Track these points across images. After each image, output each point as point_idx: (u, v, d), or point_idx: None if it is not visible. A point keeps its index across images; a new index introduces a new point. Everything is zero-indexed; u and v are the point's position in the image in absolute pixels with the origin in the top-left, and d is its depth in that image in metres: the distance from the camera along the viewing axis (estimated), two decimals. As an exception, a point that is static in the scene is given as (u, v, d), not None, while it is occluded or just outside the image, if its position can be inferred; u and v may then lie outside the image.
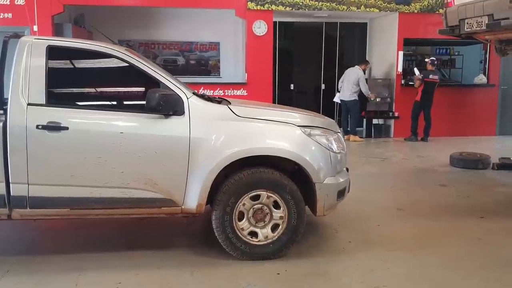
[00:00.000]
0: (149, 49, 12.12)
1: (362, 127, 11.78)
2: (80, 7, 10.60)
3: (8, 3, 9.26)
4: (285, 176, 3.88)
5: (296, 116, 4.08)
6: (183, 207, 3.77)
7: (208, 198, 3.78)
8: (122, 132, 3.61)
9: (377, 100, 11.08)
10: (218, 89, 10.43)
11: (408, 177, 7.37)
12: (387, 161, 8.56)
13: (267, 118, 3.92)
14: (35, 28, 9.14)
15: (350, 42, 12.63)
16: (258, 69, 10.69)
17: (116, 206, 3.70)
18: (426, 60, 11.06)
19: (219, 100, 4.23)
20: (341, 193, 4.10)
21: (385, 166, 8.16)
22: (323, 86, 12.35)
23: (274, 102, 11.21)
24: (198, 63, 12.30)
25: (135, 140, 3.63)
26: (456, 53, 13.17)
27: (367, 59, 11.89)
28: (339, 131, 4.31)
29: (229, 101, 4.23)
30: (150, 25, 11.83)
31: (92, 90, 4.03)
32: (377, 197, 5.96)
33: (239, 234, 3.83)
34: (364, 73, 11.04)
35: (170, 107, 3.62)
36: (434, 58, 11.04)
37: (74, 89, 3.91)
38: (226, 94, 10.31)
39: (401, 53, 11.19)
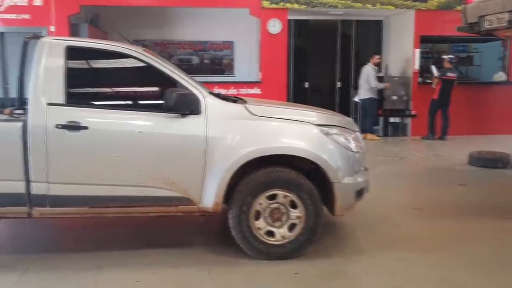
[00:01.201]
0: (164, 49, 12.17)
1: (379, 125, 11.70)
2: (96, 8, 10.68)
3: (26, 4, 9.38)
4: (302, 175, 3.86)
5: (313, 114, 4.05)
6: (199, 205, 3.77)
7: (225, 197, 3.78)
8: (140, 132, 3.63)
9: (389, 88, 10.92)
10: (232, 88, 10.44)
11: (426, 176, 7.30)
12: (404, 160, 8.48)
13: (283, 117, 3.90)
14: (52, 28, 9.24)
15: (366, 40, 12.56)
16: (272, 67, 10.68)
17: (134, 204, 3.72)
18: (444, 57, 10.93)
19: (234, 99, 4.22)
20: (359, 193, 4.06)
21: (403, 165, 8.08)
22: (338, 84, 12.31)
23: (288, 100, 11.18)
24: (212, 62, 12.34)
25: (153, 139, 3.64)
26: (474, 50, 13.00)
27: (381, 56, 11.81)
28: (357, 129, 4.27)
29: (245, 100, 4.22)
30: (164, 25, 11.88)
31: (111, 90, 4.05)
32: (395, 197, 5.90)
33: (256, 234, 3.81)
34: (379, 66, 10.89)
35: (187, 106, 3.62)
36: (453, 56, 10.90)
37: (92, 89, 3.95)
38: (240, 92, 10.32)
39: (417, 50, 11.11)
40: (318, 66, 12.29)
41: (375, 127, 11.25)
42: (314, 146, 3.83)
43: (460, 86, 10.85)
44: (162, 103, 3.57)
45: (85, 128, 3.55)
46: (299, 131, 3.87)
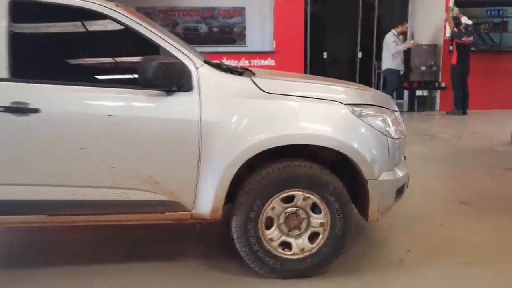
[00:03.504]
0: (169, 17, 11.18)
1: (403, 99, 10.69)
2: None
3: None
4: (327, 171, 2.94)
5: (341, 90, 3.11)
6: (193, 211, 2.88)
7: (227, 199, 2.89)
8: (111, 115, 2.71)
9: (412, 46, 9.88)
10: (243, 58, 9.49)
11: (465, 159, 6.25)
12: (436, 139, 7.49)
13: (303, 95, 2.95)
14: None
15: (390, 5, 11.40)
16: (287, 36, 9.67)
17: (108, 211, 2.83)
18: (462, 21, 9.66)
19: (241, 71, 3.30)
20: (399, 192, 3.16)
21: (436, 145, 7.10)
22: (359, 54, 11.22)
23: (305, 72, 10.20)
24: (221, 31, 11.30)
25: (128, 125, 2.73)
26: (510, 15, 11.74)
27: (409, 23, 10.69)
28: (397, 109, 3.32)
29: (253, 72, 3.29)
30: (170, -11, 10.88)
31: (71, 60, 3.07)
32: (434, 187, 4.96)
33: (267, 246, 2.93)
34: (405, 36, 9.80)
35: (172, 80, 2.69)
36: (470, 24, 9.63)
37: (47, 59, 2.97)
38: (252, 64, 9.38)
39: (450, 14, 9.94)
40: (337, 35, 11.22)
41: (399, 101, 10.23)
42: (343, 133, 2.89)
43: (491, 55, 9.84)
44: (137, 76, 2.63)
45: (36, 111, 2.64)
46: (323, 112, 2.92)
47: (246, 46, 11.09)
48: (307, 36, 10.63)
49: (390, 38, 9.53)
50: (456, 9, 9.94)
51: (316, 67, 10.71)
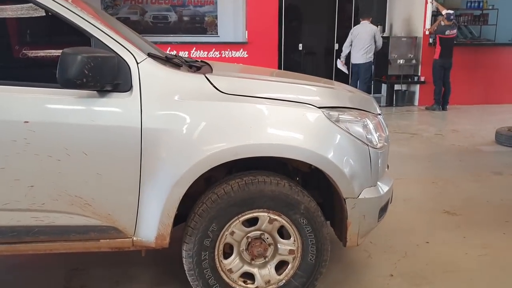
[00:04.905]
0: (136, 4, 10.50)
1: (381, 93, 10.30)
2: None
3: None
4: (298, 187, 2.45)
5: (315, 90, 2.62)
6: (135, 239, 2.36)
7: (175, 223, 2.39)
8: (27, 121, 2.16)
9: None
10: (214, 50, 8.90)
11: (448, 160, 5.83)
12: (417, 138, 7.06)
13: (268, 96, 2.44)
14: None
15: (368, -5, 10.95)
16: (261, 26, 9.14)
17: (26, 239, 2.29)
18: (443, 13, 9.23)
19: (199, 66, 2.77)
20: (383, 210, 2.69)
21: (417, 144, 6.67)
22: (336, 46, 10.75)
23: (279, 64, 9.70)
24: (192, 20, 10.66)
25: (49, 134, 2.18)
26: (490, 7, 11.40)
27: (387, 14, 10.28)
28: (380, 112, 2.84)
29: (210, 67, 2.78)
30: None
31: None
32: (416, 194, 4.53)
33: (226, 279, 2.45)
34: None
35: (105, 78, 2.14)
36: (451, 12, 9.21)
37: None
38: (223, 56, 8.80)
39: (429, 6, 9.54)
40: (313, 26, 10.70)
41: (377, 95, 9.83)
42: (316, 142, 2.40)
43: (471, 48, 9.65)
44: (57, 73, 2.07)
45: None
46: (292, 118, 2.41)
47: (218, 36, 10.50)
48: (282, 26, 10.12)
49: (378, 32, 9.05)
50: (435, 2, 9.55)
51: (291, 59, 10.24)
